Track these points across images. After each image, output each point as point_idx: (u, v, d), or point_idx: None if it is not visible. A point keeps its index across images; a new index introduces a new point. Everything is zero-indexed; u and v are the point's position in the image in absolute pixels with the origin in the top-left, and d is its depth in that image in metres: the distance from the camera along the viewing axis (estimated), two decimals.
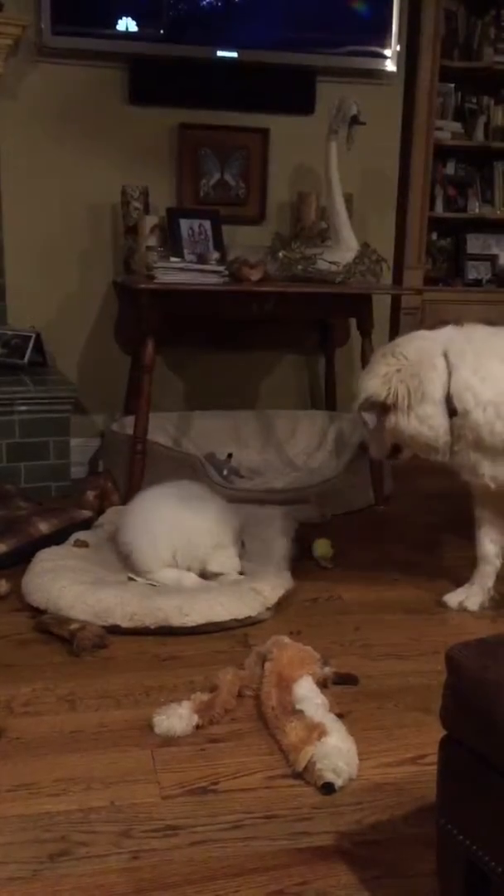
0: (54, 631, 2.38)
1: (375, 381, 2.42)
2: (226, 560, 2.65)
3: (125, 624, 2.40)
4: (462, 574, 2.76)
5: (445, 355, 2.42)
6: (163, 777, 1.82)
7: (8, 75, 3.43)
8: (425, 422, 2.41)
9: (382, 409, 2.43)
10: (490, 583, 2.64)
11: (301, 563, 2.88)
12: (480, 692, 1.29)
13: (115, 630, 2.39)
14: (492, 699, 1.27)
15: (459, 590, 2.65)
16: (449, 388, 2.39)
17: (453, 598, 2.63)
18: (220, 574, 2.63)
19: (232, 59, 3.60)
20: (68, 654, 2.31)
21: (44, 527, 2.89)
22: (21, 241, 3.61)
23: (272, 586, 2.58)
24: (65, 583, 2.50)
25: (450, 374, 2.40)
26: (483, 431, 2.41)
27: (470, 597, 2.63)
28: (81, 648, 2.30)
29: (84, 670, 2.24)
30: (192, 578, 2.62)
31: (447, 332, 2.50)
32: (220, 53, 3.58)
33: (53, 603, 2.45)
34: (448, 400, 2.39)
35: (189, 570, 2.64)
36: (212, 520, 2.66)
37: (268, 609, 2.53)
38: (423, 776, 1.80)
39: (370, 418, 2.49)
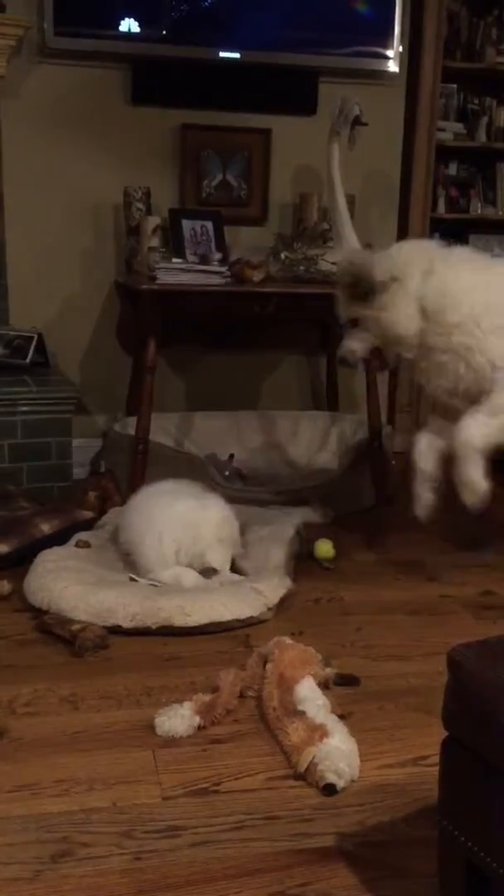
0: (56, 631, 2.38)
1: (370, 259, 2.67)
2: (224, 556, 2.66)
3: (127, 624, 2.40)
4: (465, 574, 2.76)
5: (431, 260, 2.64)
6: (164, 778, 1.83)
7: (10, 76, 3.43)
8: (402, 311, 2.60)
9: (363, 295, 2.63)
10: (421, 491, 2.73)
11: (303, 563, 2.88)
12: (482, 693, 1.29)
13: (116, 630, 2.39)
14: (493, 700, 1.27)
15: None
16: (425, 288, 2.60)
17: None
18: (215, 571, 2.64)
19: (234, 59, 3.60)
20: (70, 654, 2.31)
21: (46, 527, 2.89)
22: (23, 241, 3.62)
23: (272, 587, 2.58)
24: (67, 583, 2.50)
25: (429, 276, 2.61)
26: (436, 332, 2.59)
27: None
28: (83, 649, 2.30)
29: (86, 671, 2.24)
30: (191, 576, 2.62)
31: (438, 245, 2.76)
32: (222, 54, 3.58)
33: (55, 603, 2.45)
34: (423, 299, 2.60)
35: (190, 566, 2.64)
36: (218, 513, 2.69)
37: (269, 609, 2.53)
38: (424, 777, 1.80)
39: (351, 306, 2.67)
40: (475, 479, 2.54)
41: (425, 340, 2.62)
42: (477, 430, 2.55)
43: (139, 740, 1.95)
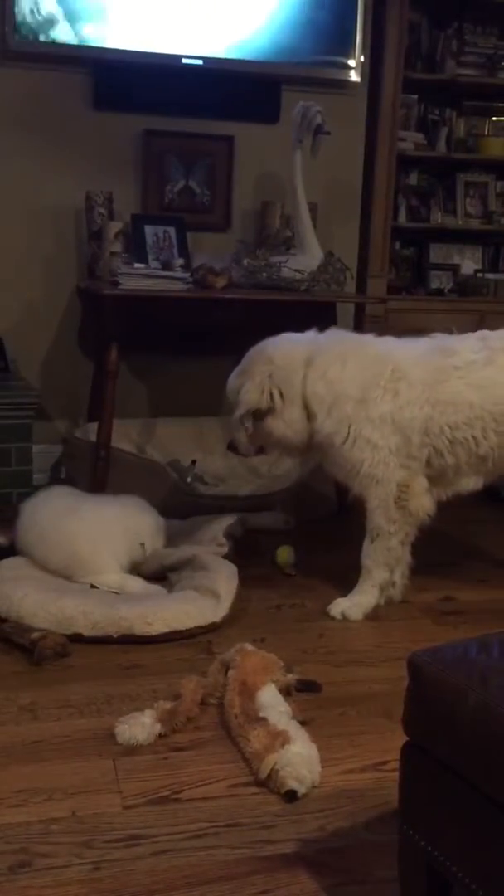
0: (15, 640, 2.35)
1: (254, 393, 2.59)
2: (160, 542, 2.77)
3: (88, 633, 2.38)
4: (426, 580, 2.78)
5: (306, 359, 2.60)
6: (125, 786, 1.81)
7: None
8: (291, 425, 2.60)
9: (256, 414, 2.61)
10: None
11: (265, 570, 2.88)
12: (442, 699, 1.30)
13: (77, 639, 2.37)
14: (453, 705, 1.28)
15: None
16: (305, 391, 2.58)
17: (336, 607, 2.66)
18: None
19: (197, 66, 3.60)
20: (29, 663, 2.28)
21: (2, 539, 2.85)
22: None
23: (226, 585, 2.59)
24: (27, 591, 2.48)
25: (305, 378, 2.58)
26: (322, 434, 2.58)
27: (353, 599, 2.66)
28: (43, 657, 2.28)
29: (45, 679, 2.22)
30: (136, 582, 2.62)
31: (310, 336, 2.69)
32: (185, 61, 3.59)
33: (15, 611, 2.42)
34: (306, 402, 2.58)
35: (131, 565, 2.69)
36: (143, 509, 2.77)
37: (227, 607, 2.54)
38: (385, 782, 1.80)
39: (249, 424, 2.64)
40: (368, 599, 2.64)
41: (312, 441, 2.64)
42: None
43: (99, 749, 1.93)
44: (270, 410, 2.60)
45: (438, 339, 2.68)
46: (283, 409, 2.59)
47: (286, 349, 2.65)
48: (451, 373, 2.58)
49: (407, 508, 2.58)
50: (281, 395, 2.58)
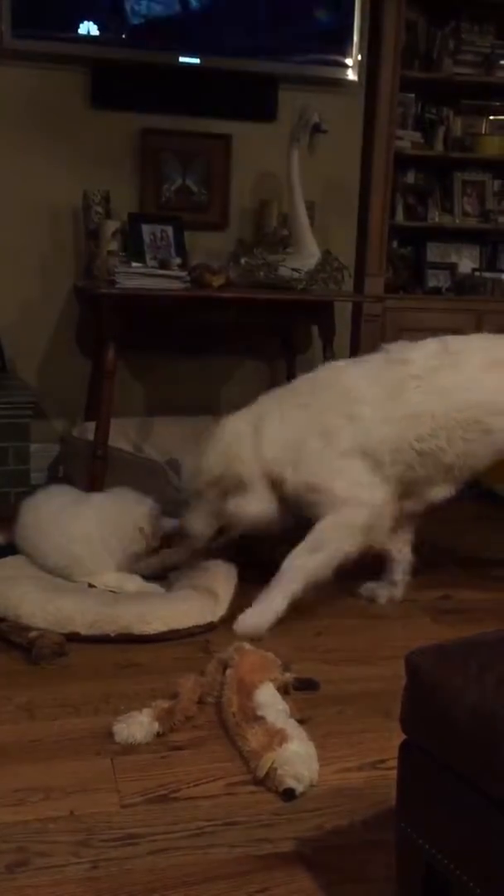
0: (13, 639, 2.35)
1: (216, 465, 2.47)
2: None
3: (85, 632, 2.38)
4: (425, 578, 2.78)
5: (255, 429, 2.49)
6: (123, 785, 1.81)
7: None
8: (261, 503, 2.48)
9: (219, 492, 2.48)
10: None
11: (263, 570, 2.88)
12: (439, 697, 1.30)
13: (74, 638, 2.36)
14: (450, 704, 1.28)
15: None
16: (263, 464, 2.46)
17: None
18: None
19: (194, 65, 3.60)
20: (27, 662, 2.28)
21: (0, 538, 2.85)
22: None
23: (224, 585, 2.60)
24: (24, 590, 2.47)
25: (258, 448, 2.46)
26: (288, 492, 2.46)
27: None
28: (40, 657, 2.28)
29: (43, 678, 2.22)
30: (134, 581, 2.62)
31: (258, 405, 2.56)
32: (182, 59, 3.58)
33: (12, 611, 2.42)
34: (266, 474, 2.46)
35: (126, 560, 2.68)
36: (137, 503, 2.74)
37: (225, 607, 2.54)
38: (383, 781, 1.80)
39: (213, 497, 2.50)
40: (275, 609, 2.45)
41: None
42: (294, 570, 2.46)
43: (97, 748, 1.93)
44: (239, 488, 2.47)
45: (392, 350, 2.58)
46: (249, 493, 2.47)
47: (232, 428, 2.55)
48: (409, 383, 2.48)
49: (372, 535, 2.48)
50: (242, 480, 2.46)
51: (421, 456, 2.48)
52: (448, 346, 2.54)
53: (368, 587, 2.74)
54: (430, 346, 2.55)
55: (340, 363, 2.62)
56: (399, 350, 2.57)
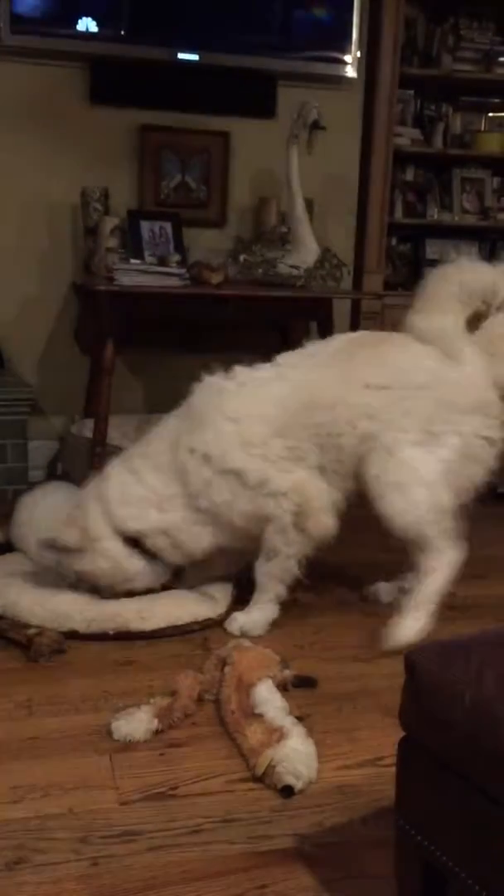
0: (11, 636, 2.35)
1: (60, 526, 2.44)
2: None
3: (83, 629, 2.38)
4: None
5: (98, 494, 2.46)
6: (122, 783, 1.81)
7: None
8: (107, 558, 2.43)
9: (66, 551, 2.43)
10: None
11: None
12: (439, 694, 1.30)
13: (73, 635, 2.36)
14: (450, 701, 1.28)
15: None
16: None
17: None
18: None
19: (193, 61, 3.59)
20: (26, 659, 2.28)
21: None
22: None
23: (222, 589, 2.59)
24: (23, 587, 2.47)
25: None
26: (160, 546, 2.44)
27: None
28: (39, 654, 2.27)
29: (42, 676, 2.22)
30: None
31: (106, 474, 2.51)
32: (181, 56, 3.58)
33: (11, 608, 2.42)
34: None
35: None
36: None
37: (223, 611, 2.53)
38: (382, 778, 1.80)
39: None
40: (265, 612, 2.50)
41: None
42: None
43: (96, 745, 1.93)
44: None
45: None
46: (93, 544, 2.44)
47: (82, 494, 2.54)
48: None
49: (306, 530, 2.45)
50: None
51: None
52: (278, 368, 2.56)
53: (375, 588, 2.73)
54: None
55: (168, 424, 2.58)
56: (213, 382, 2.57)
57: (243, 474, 2.39)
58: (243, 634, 2.43)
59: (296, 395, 2.44)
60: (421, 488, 2.39)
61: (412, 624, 2.39)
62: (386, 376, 2.44)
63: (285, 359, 2.57)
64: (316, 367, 2.51)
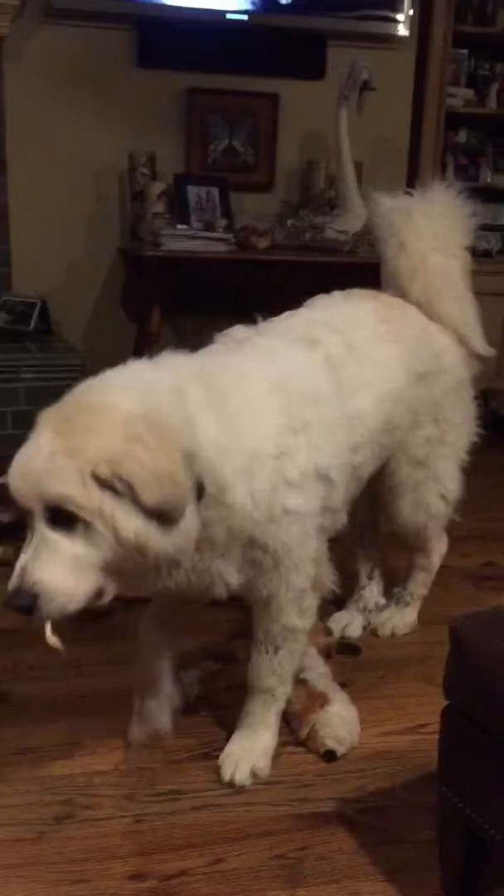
0: None
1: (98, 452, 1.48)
2: None
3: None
4: (468, 545, 2.76)
5: (180, 397, 1.56)
6: (168, 742, 1.84)
7: (14, 37, 3.37)
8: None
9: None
10: None
11: None
12: (482, 663, 1.30)
13: (120, 597, 2.39)
14: (493, 670, 1.27)
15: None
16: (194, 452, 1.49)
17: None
18: None
19: (242, 21, 3.54)
20: (74, 619, 2.31)
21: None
22: (27, 206, 3.58)
23: None
24: None
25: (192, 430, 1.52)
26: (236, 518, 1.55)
27: None
28: (87, 617, 2.30)
29: (90, 636, 2.25)
30: None
31: (172, 364, 1.69)
32: (229, 16, 3.52)
33: None
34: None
35: None
36: None
37: None
38: (423, 745, 1.81)
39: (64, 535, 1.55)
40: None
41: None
42: None
43: None
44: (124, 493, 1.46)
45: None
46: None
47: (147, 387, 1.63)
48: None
49: (318, 587, 1.77)
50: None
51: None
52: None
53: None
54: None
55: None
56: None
57: None
58: (255, 776, 1.75)
59: None
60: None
61: (411, 611, 2.37)
62: None
63: None
64: None
